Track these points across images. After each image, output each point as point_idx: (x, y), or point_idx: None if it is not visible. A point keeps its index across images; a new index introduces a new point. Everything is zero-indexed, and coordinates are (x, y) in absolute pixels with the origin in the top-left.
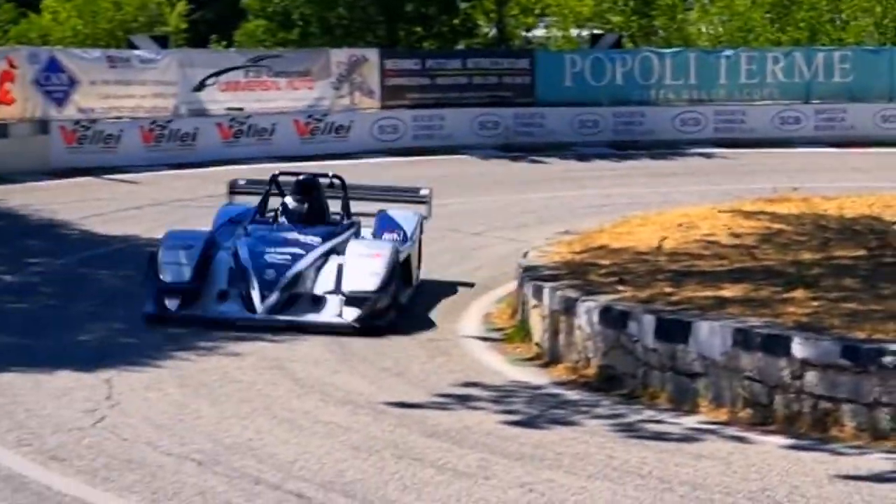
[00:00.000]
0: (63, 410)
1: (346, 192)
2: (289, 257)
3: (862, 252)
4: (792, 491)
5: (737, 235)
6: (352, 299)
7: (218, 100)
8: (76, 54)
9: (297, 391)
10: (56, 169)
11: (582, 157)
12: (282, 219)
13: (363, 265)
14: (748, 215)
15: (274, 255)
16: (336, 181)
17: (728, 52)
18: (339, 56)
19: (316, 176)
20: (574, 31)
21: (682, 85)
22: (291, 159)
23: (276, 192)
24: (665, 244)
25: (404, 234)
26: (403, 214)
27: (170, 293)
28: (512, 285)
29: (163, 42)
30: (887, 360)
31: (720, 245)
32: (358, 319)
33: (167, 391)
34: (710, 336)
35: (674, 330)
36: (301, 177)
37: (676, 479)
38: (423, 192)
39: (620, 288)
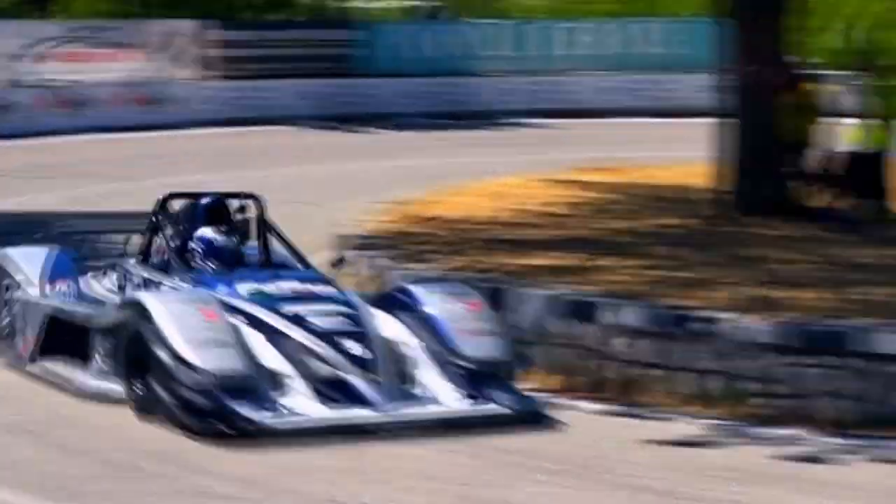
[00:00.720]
0: None
1: (263, 215)
2: (343, 321)
3: (671, 221)
4: (599, 455)
5: (549, 204)
6: (487, 375)
7: (38, 71)
8: None
9: None
10: None
11: (403, 128)
12: (206, 262)
13: (466, 323)
14: (561, 185)
15: (321, 319)
16: (251, 203)
17: (545, 24)
18: (159, 27)
19: (224, 196)
20: (395, 3)
21: (500, 56)
22: (111, 130)
23: (165, 223)
24: (479, 213)
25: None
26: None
27: (230, 390)
28: (328, 254)
29: None
30: (692, 326)
31: (533, 214)
32: (530, 408)
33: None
34: (521, 304)
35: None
36: (208, 200)
37: (488, 444)
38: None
39: (438, 257)
